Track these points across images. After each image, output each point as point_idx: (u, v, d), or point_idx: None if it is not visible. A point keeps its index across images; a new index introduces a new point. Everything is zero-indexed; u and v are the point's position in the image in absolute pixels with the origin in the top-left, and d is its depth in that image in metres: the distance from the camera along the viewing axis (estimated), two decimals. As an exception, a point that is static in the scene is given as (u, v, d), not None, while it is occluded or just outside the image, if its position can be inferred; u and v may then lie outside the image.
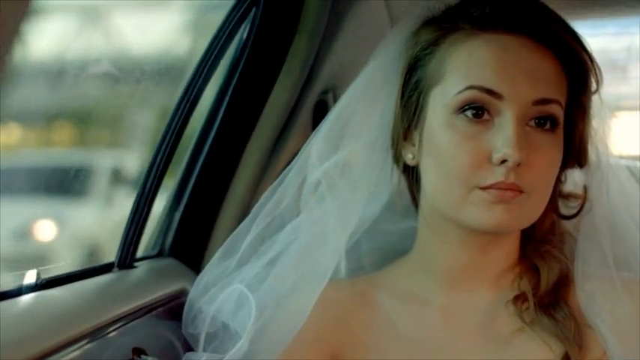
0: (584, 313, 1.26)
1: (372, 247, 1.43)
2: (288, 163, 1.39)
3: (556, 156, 1.25)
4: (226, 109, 1.62)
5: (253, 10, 1.58)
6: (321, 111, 1.75)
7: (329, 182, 1.32)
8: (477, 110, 1.21)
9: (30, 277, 1.21)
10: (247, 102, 1.64)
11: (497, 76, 1.21)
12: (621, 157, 1.39)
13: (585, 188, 1.33)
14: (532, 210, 1.23)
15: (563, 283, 1.29)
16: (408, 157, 1.29)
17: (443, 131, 1.23)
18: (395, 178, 1.35)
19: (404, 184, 1.35)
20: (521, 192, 1.20)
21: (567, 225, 1.35)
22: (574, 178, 1.35)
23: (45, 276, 1.23)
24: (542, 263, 1.29)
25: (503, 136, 1.19)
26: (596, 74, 1.28)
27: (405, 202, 1.37)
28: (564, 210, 1.33)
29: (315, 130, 1.36)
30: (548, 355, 1.23)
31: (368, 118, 1.33)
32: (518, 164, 1.18)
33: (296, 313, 1.26)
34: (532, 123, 1.22)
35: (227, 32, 1.52)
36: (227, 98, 1.62)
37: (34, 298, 1.18)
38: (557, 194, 1.31)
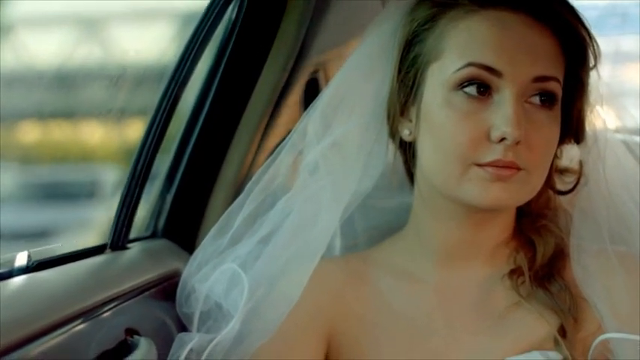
0: (579, 286, 1.26)
1: (366, 224, 1.43)
2: (280, 142, 1.38)
3: (554, 133, 1.24)
4: (217, 89, 1.61)
5: (241, -10, 1.57)
6: (312, 89, 1.75)
7: (325, 159, 1.31)
8: (476, 87, 1.20)
9: (21, 259, 1.20)
10: (238, 82, 1.63)
11: (496, 54, 1.20)
12: (617, 131, 1.39)
13: (581, 163, 1.32)
14: (530, 187, 1.23)
15: (559, 256, 1.28)
16: (405, 133, 1.29)
17: (441, 108, 1.22)
18: (390, 154, 1.34)
19: (399, 159, 1.34)
20: (519, 169, 1.19)
21: (562, 200, 1.34)
22: (570, 153, 1.34)
23: (37, 258, 1.22)
24: (538, 237, 1.29)
25: (502, 113, 1.19)
26: (594, 50, 1.27)
27: (399, 177, 1.36)
28: (560, 185, 1.33)
29: (309, 108, 1.35)
30: (545, 327, 1.23)
31: (363, 94, 1.32)
32: (517, 142, 1.18)
33: (288, 293, 1.26)
34: (530, 100, 1.21)
35: (215, 13, 1.50)
36: (217, 78, 1.61)
37: (25, 280, 1.17)
38: (554, 170, 1.31)
